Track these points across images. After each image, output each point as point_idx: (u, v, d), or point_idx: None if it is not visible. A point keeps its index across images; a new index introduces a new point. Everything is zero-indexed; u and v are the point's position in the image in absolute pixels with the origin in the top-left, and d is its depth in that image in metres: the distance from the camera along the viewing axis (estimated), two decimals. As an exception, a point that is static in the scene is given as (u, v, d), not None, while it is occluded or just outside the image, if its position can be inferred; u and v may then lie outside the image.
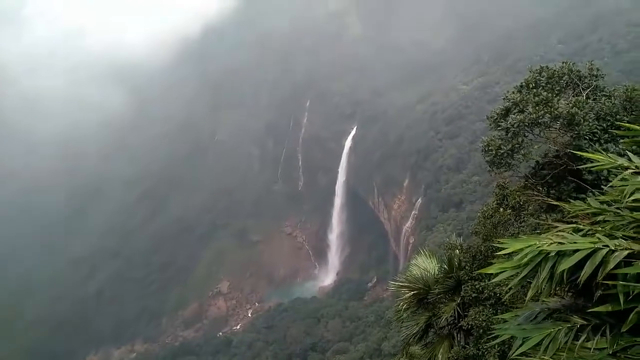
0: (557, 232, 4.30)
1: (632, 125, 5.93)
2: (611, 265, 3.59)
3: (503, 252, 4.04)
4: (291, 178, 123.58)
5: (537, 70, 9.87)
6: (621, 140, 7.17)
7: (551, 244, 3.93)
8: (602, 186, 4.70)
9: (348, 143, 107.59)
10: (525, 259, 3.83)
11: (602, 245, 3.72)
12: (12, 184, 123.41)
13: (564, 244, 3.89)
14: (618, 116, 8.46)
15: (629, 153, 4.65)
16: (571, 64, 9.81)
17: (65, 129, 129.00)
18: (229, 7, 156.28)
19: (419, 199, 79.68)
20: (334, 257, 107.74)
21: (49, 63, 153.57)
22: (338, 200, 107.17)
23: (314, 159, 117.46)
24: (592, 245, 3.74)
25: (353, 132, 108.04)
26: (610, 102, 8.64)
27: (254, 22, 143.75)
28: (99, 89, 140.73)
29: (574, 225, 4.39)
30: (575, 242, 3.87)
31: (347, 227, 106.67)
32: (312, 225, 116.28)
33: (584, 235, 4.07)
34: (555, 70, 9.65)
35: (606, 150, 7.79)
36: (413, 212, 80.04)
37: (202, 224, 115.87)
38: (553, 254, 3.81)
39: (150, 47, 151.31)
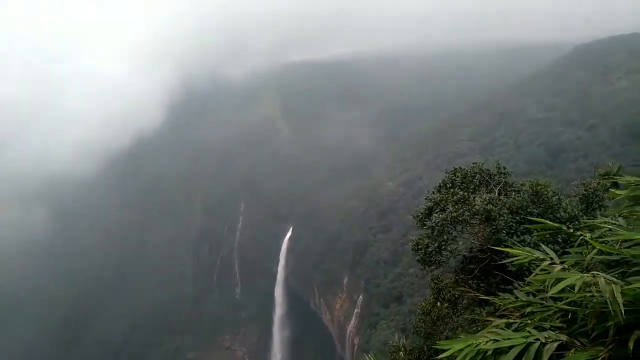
0: (491, 328, 4.47)
1: (540, 220, 6.60)
2: (545, 359, 3.77)
3: (444, 354, 4.11)
4: (228, 285, 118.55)
5: (452, 171, 10.79)
6: (534, 234, 7.94)
7: (487, 341, 4.07)
8: (524, 277, 5.04)
9: (285, 244, 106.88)
10: (466, 360, 3.93)
11: (534, 339, 3.92)
12: None
13: (499, 340, 4.05)
14: (528, 209, 9.29)
15: (542, 245, 5.10)
16: (481, 164, 10.87)
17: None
18: (159, 118, 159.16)
19: (360, 296, 78.91)
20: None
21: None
22: (278, 304, 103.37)
23: (252, 263, 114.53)
24: (525, 340, 3.91)
25: (289, 232, 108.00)
26: (520, 196, 9.53)
27: (185, 131, 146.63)
28: (20, 207, 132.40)
29: (506, 319, 4.60)
30: (509, 338, 4.04)
31: (290, 332, 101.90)
32: (252, 335, 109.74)
33: (516, 330, 4.27)
34: (467, 171, 10.60)
35: (523, 241, 8.45)
36: (355, 310, 78.65)
37: (132, 344, 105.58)
38: (490, 352, 3.95)
39: (76, 160, 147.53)
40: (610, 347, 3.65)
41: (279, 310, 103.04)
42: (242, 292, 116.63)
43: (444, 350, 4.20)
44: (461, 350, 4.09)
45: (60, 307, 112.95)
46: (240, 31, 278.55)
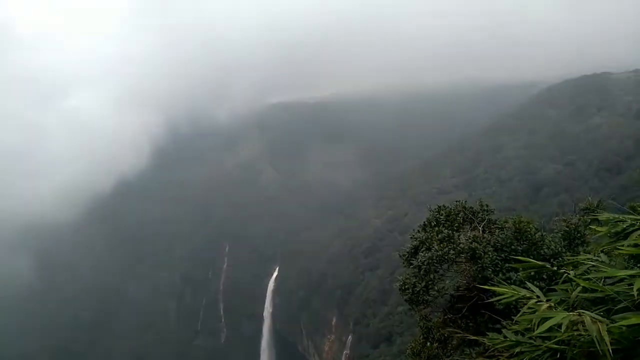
0: (482, 369, 4.42)
1: (524, 258, 6.66)
2: (537, 401, 3.71)
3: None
4: (213, 330, 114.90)
5: (436, 209, 10.89)
6: (519, 272, 7.99)
7: (479, 384, 4.02)
8: (512, 316, 5.03)
9: (271, 285, 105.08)
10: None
11: (525, 381, 3.87)
12: None
13: (490, 382, 4.00)
14: (513, 246, 9.37)
15: (528, 283, 5.13)
16: (464, 201, 11.00)
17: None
18: (143, 163, 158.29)
19: (349, 337, 77.17)
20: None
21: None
22: (265, 349, 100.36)
23: (237, 306, 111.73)
24: (516, 382, 3.87)
25: (275, 273, 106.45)
26: (504, 234, 9.62)
27: (169, 175, 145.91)
28: (1, 255, 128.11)
29: (495, 360, 4.55)
30: (500, 380, 3.99)
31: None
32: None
33: (506, 371, 4.23)
34: (451, 209, 10.71)
35: (509, 279, 8.45)
36: (345, 351, 76.70)
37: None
38: (482, 396, 3.88)
39: (58, 204, 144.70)
40: (600, 387, 3.63)
41: (265, 355, 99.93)
42: (228, 336, 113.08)
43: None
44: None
45: (42, 358, 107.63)
46: (222, 75, 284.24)
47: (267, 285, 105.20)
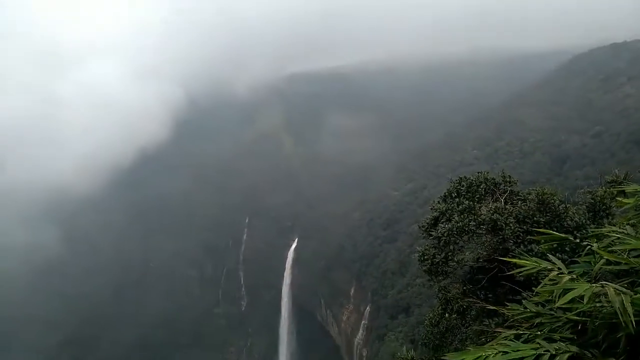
0: (500, 339, 4.43)
1: (546, 230, 6.56)
2: (556, 372, 3.72)
3: (452, 367, 4.08)
4: (233, 299, 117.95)
5: (457, 180, 10.77)
6: (541, 245, 7.85)
7: (497, 353, 4.03)
8: (533, 287, 5.00)
9: (290, 255, 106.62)
10: (475, 373, 3.89)
11: (544, 351, 3.87)
12: None
13: (508, 352, 4.01)
14: (535, 218, 9.24)
15: (550, 255, 5.07)
16: (486, 172, 10.84)
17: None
18: (163, 134, 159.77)
19: (367, 307, 78.31)
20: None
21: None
22: (285, 317, 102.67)
23: (257, 276, 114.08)
24: (534, 352, 3.87)
25: (294, 244, 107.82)
26: (526, 205, 9.49)
27: (189, 147, 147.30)
28: (27, 225, 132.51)
29: (515, 330, 4.55)
30: (518, 350, 4.00)
31: (297, 346, 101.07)
32: (258, 349, 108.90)
33: (526, 341, 4.22)
34: (473, 180, 10.57)
35: (530, 251, 8.37)
36: (363, 321, 78.01)
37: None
38: (499, 364, 3.91)
39: (80, 176, 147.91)
40: (621, 358, 3.61)
41: (285, 323, 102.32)
42: (248, 305, 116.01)
43: (452, 364, 4.17)
44: (470, 362, 4.05)
45: (67, 326, 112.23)
46: (241, 45, 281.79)
47: (286, 256, 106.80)
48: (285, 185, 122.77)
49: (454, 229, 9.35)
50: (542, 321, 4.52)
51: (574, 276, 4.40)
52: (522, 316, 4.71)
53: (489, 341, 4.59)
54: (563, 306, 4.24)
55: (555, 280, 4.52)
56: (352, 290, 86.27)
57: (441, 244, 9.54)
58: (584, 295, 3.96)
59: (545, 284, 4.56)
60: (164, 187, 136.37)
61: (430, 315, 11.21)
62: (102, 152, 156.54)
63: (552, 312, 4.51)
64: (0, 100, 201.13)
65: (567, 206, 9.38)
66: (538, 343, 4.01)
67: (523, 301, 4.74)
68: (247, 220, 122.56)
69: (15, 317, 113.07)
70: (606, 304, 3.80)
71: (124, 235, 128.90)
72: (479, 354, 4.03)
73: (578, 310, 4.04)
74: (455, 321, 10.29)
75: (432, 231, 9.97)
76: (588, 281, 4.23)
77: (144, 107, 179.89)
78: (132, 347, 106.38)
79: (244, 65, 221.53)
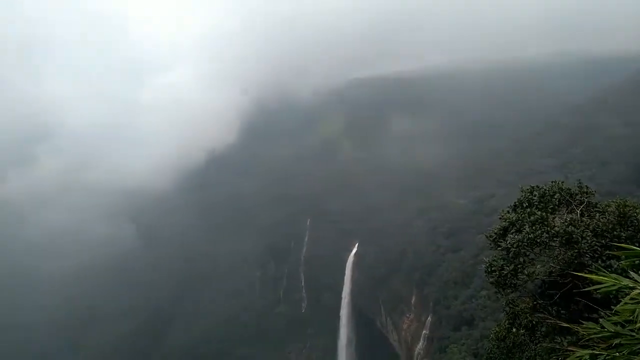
0: (574, 358, 4.22)
1: (627, 246, 6.13)
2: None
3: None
4: (294, 300, 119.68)
5: (528, 189, 10.29)
6: (621, 260, 7.28)
7: (570, 373, 3.85)
8: (612, 306, 4.72)
9: (351, 259, 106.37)
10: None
11: (623, 374, 3.65)
12: (11, 318, 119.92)
13: (584, 373, 3.82)
14: (615, 232, 8.64)
15: (631, 272, 4.76)
16: (560, 182, 10.27)
17: (68, 265, 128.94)
18: (232, 138, 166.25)
19: (429, 317, 76.34)
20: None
21: (56, 198, 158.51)
22: (344, 322, 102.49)
23: (317, 278, 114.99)
24: (612, 374, 3.67)
25: (355, 248, 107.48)
26: (605, 218, 8.89)
27: (255, 149, 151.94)
28: (101, 220, 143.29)
29: (590, 350, 4.32)
30: (595, 371, 3.80)
31: (356, 351, 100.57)
32: (317, 351, 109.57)
33: (603, 362, 4.01)
34: (546, 189, 10.06)
35: (609, 267, 7.84)
36: (424, 331, 76.12)
37: (204, 353, 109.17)
38: (574, 384, 3.73)
39: (154, 176, 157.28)
40: None
41: (344, 327, 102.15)
42: (308, 306, 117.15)
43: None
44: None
45: (138, 316, 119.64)
46: (307, 52, 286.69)
47: (346, 260, 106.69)
48: (347, 190, 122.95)
49: (525, 240, 8.94)
50: (622, 342, 4.28)
51: (659, 296, 4.13)
52: (598, 336, 4.48)
53: (561, 360, 4.40)
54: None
55: (637, 299, 4.27)
56: (413, 299, 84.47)
57: (510, 255, 9.14)
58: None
59: (627, 303, 4.31)
60: (231, 188, 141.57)
61: (497, 329, 10.76)
62: (175, 153, 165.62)
63: (633, 333, 4.26)
64: (86, 106, 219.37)
65: (652, 221, 8.69)
66: (617, 365, 3.80)
67: (600, 320, 4.49)
68: (308, 223, 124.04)
69: (95, 305, 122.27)
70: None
71: (191, 233, 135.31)
72: (551, 372, 3.89)
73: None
74: (523, 337, 9.80)
75: (501, 242, 9.58)
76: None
77: (214, 111, 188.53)
78: (198, 340, 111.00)
79: (309, 70, 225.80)
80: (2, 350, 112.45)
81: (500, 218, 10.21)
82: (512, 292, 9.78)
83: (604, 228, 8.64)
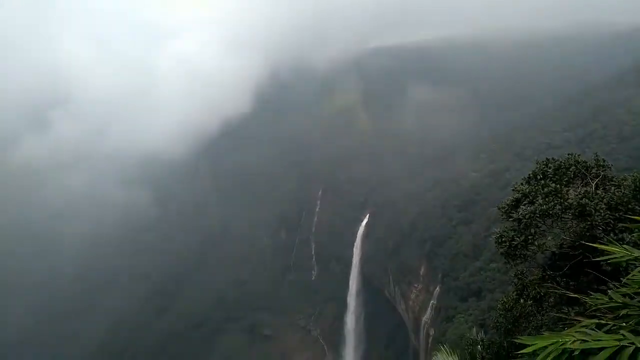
0: (580, 327, 4.21)
1: (641, 218, 6.04)
2: (640, 364, 3.48)
3: (526, 350, 3.94)
4: (304, 268, 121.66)
5: (543, 161, 10.11)
6: (634, 233, 7.20)
7: (574, 341, 3.84)
8: (621, 278, 4.68)
9: (361, 230, 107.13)
10: (549, 359, 3.74)
11: (628, 343, 3.62)
12: (28, 279, 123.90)
13: (587, 341, 3.80)
14: (630, 206, 8.49)
15: (644, 245, 4.69)
16: (577, 155, 10.06)
17: (87, 229, 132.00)
18: (246, 105, 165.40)
19: (437, 288, 77.11)
20: (350, 353, 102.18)
21: (73, 163, 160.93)
22: (353, 290, 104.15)
23: (327, 248, 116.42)
24: (617, 343, 3.65)
25: (366, 219, 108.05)
26: (620, 191, 8.73)
27: (269, 119, 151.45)
28: (117, 185, 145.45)
29: (597, 320, 4.30)
30: (599, 340, 3.78)
31: (363, 318, 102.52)
32: (326, 317, 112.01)
33: (608, 332, 3.99)
34: (561, 162, 9.88)
35: (621, 240, 7.74)
36: (431, 301, 77.06)
37: (213, 318, 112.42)
38: (577, 353, 3.71)
39: (170, 142, 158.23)
40: None
41: (353, 296, 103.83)
42: (318, 275, 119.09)
43: (525, 347, 4.04)
44: (545, 347, 3.90)
45: (150, 282, 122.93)
46: (324, 19, 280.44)
47: (357, 230, 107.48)
48: (361, 160, 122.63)
49: (537, 211, 8.85)
50: (629, 313, 4.26)
51: (670, 267, 4.07)
52: (606, 306, 4.45)
53: (567, 329, 4.38)
54: (655, 299, 3.95)
55: (647, 271, 4.21)
56: (422, 270, 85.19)
57: (521, 226, 9.08)
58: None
59: (635, 275, 4.26)
60: (245, 157, 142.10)
61: (504, 299, 10.81)
62: (192, 120, 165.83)
63: (641, 304, 4.23)
64: (103, 73, 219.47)
65: (669, 195, 8.51)
66: (622, 334, 3.77)
67: (609, 291, 4.46)
68: (320, 192, 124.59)
69: (113, 268, 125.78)
70: None
71: (206, 200, 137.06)
72: (556, 340, 3.89)
73: (671, 304, 3.75)
74: (530, 308, 9.85)
75: (513, 213, 9.49)
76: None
77: (229, 79, 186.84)
78: (210, 304, 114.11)
79: (326, 39, 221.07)
80: (22, 311, 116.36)
81: (513, 190, 10.09)
82: (521, 263, 9.75)
83: (619, 201, 8.49)
